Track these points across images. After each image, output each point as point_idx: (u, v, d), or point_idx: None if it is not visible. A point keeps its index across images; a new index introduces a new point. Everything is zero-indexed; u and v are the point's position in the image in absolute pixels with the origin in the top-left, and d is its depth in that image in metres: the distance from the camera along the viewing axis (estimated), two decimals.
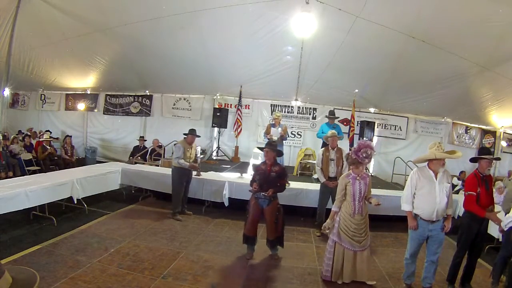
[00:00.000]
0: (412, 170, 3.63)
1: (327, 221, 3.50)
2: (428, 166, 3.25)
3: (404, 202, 3.32)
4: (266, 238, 4.00)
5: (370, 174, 3.66)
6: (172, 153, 5.59)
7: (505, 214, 3.45)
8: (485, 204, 3.34)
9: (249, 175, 5.66)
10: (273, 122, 6.78)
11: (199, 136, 5.61)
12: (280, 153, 4.33)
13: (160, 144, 8.97)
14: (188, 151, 5.36)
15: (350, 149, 4.60)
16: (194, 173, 5.58)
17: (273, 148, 4.00)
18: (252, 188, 3.91)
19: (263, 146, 4.17)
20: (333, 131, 5.37)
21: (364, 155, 3.31)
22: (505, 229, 3.32)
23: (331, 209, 4.97)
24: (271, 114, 9.38)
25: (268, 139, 6.45)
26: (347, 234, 3.34)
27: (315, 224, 5.12)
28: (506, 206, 3.58)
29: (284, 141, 6.73)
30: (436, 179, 3.17)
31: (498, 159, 3.68)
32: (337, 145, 5.06)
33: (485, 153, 3.51)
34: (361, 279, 3.40)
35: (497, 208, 3.55)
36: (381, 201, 3.45)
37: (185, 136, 5.46)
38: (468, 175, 7.70)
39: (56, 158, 8.49)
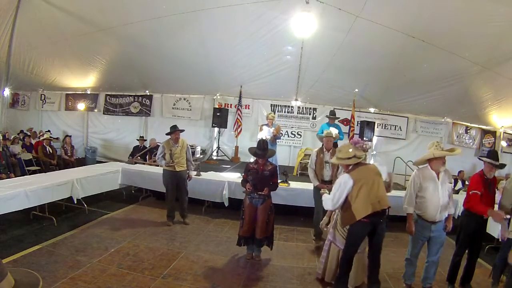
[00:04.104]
0: (413, 170, 3.62)
1: (324, 218, 3.45)
2: (430, 167, 3.24)
3: (407, 204, 3.25)
4: (252, 237, 3.86)
5: None
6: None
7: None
8: (486, 205, 3.34)
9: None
10: (267, 122, 6.75)
11: (182, 130, 5.10)
12: (273, 153, 4.27)
13: (158, 144, 8.95)
14: (172, 150, 4.93)
15: None
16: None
17: (264, 153, 3.86)
18: (246, 189, 3.87)
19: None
20: (329, 130, 4.92)
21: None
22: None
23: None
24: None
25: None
26: (342, 235, 3.24)
27: (313, 235, 4.67)
28: (504, 207, 3.57)
29: (277, 140, 6.55)
30: (438, 179, 3.17)
31: (502, 167, 3.60)
32: (332, 146, 4.58)
33: (490, 157, 3.44)
34: (352, 285, 3.26)
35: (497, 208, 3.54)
36: None
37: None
38: (467, 174, 7.75)
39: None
